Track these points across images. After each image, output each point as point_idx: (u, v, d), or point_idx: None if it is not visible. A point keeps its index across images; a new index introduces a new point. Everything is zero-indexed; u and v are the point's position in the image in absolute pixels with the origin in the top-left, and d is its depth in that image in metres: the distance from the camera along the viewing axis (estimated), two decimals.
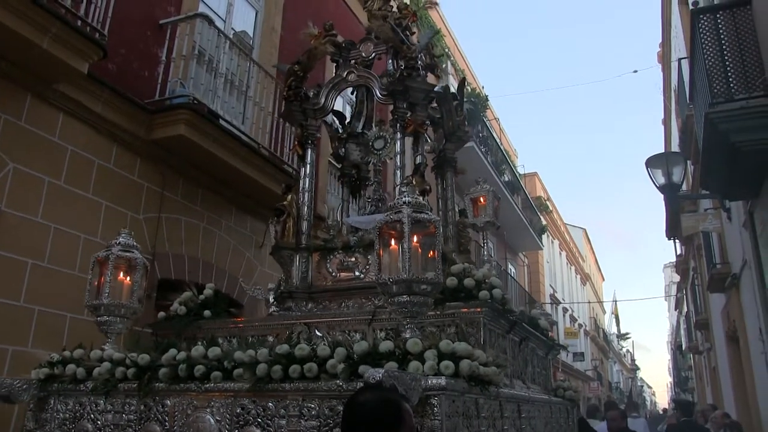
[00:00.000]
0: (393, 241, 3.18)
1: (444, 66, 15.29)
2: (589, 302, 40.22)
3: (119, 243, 4.10)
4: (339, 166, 5.68)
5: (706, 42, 6.50)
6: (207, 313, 4.56)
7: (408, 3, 6.04)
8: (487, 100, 17.78)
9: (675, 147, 15.00)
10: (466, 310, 3.72)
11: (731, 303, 11.57)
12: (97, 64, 5.87)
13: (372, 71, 5.04)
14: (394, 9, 5.17)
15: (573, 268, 36.84)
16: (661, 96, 20.18)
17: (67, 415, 3.71)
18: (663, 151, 16.37)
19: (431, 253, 3.19)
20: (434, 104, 5.31)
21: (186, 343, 3.95)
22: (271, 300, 4.79)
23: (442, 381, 2.77)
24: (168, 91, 6.95)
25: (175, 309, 4.59)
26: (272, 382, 3.10)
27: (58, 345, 5.64)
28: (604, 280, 54.19)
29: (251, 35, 9.16)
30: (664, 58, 18.23)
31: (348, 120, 5.78)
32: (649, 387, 77.81)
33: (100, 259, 4.07)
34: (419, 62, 4.81)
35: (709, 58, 6.45)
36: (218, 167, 7.33)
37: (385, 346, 2.96)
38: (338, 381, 2.95)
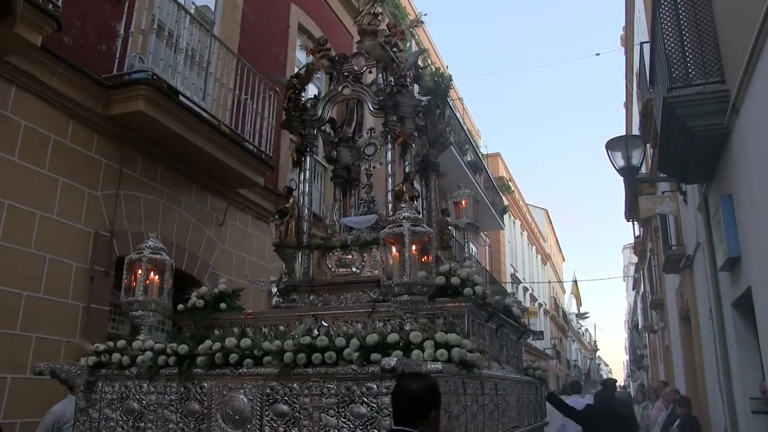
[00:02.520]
0: (394, 249, 3.78)
1: (408, 45, 15.23)
2: (549, 282, 40.85)
3: (149, 246, 4.56)
4: (331, 167, 6.16)
5: (667, 27, 6.57)
6: (223, 305, 4.98)
7: (395, 22, 6.38)
8: (450, 79, 17.78)
9: (636, 130, 15.20)
10: (453, 305, 4.31)
11: (685, 284, 11.86)
12: (52, 37, 5.71)
13: (365, 85, 5.48)
14: (384, 27, 5.66)
15: (534, 248, 37.32)
16: (624, 79, 20.42)
17: (114, 396, 4.24)
18: (624, 133, 16.59)
19: (425, 258, 3.79)
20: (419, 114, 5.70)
21: (204, 331, 4.59)
22: (274, 291, 5.35)
23: (439, 365, 3.30)
24: (126, 66, 6.81)
25: (193, 302, 4.99)
26: (297, 367, 3.65)
27: (12, 323, 5.57)
28: (564, 260, 55.04)
29: (212, 10, 9.01)
30: (627, 41, 18.40)
31: (339, 125, 6.15)
32: (606, 365, 79.55)
33: (132, 261, 4.54)
34: (408, 79, 5.31)
35: (669, 43, 6.53)
36: (178, 144, 7.23)
37: (392, 337, 3.53)
38: (353, 366, 3.52)
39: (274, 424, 3.68)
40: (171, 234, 7.58)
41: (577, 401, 9.45)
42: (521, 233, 33.42)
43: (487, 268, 22.60)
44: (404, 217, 3.79)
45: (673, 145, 6.96)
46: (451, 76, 18.04)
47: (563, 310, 46.16)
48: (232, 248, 8.75)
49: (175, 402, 4.04)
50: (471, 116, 25.41)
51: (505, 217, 25.30)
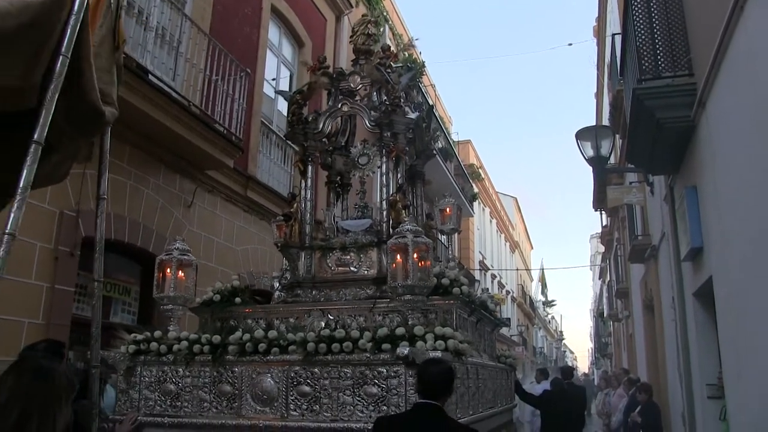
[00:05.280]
0: (398, 255, 4.51)
1: (382, 30, 15.17)
2: (518, 269, 41.24)
3: (177, 248, 5.18)
4: (326, 173, 6.72)
5: (638, 19, 6.64)
6: (237, 299, 5.53)
7: (390, 45, 6.96)
8: (423, 65, 17.77)
9: (606, 121, 15.37)
10: (443, 302, 5.02)
11: (649, 273, 12.06)
12: None
13: (362, 103, 6.09)
14: (378, 50, 6.27)
15: (503, 235, 37.61)
16: (595, 70, 20.59)
17: (152, 379, 4.80)
18: (594, 124, 16.75)
19: (422, 263, 4.48)
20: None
21: (220, 323, 5.29)
22: (276, 286, 6.06)
23: (438, 354, 3.99)
24: None
25: (209, 297, 5.54)
26: (318, 355, 4.29)
27: None
28: (532, 248, 55.59)
29: None
30: (600, 32, 18.54)
31: (333, 134, 6.57)
32: (572, 352, 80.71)
33: (162, 261, 5.15)
34: (402, 99, 5.92)
35: (640, 35, 6.60)
36: (147, 124, 7.13)
37: (399, 330, 4.22)
38: (366, 354, 4.21)
39: (298, 402, 4.36)
40: (138, 215, 7.50)
41: (545, 386, 9.81)
42: (490, 221, 33.65)
43: (456, 255, 22.73)
44: (407, 230, 4.57)
45: (641, 136, 7.06)
46: (423, 62, 18.02)
47: (530, 297, 46.66)
48: (201, 230, 8.68)
49: (208, 384, 4.63)
50: (443, 103, 25.44)
51: (475, 204, 25.44)
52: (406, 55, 17.31)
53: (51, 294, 6.21)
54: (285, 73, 12.07)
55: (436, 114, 18.78)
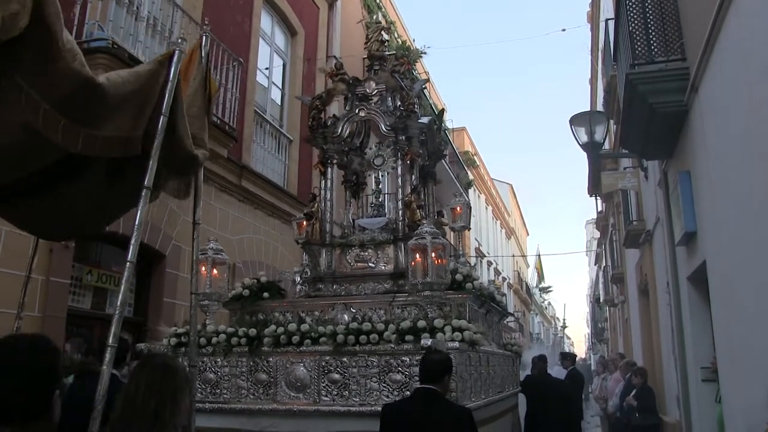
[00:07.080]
0: (418, 255, 5.01)
1: (375, 17, 15.11)
2: (513, 256, 41.30)
3: (211, 248, 5.58)
4: (343, 173, 7.12)
5: (631, 4, 6.63)
6: (266, 294, 5.92)
7: (404, 53, 7.31)
8: (419, 54, 17.67)
9: (600, 106, 15.33)
10: (458, 296, 5.45)
11: (644, 258, 12.09)
12: None
13: (377, 107, 6.43)
14: (391, 55, 6.65)
15: (498, 222, 37.66)
16: (589, 56, 20.52)
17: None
18: (589, 109, 16.70)
19: (438, 261, 4.98)
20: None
21: (249, 316, 5.73)
22: (298, 280, 6.48)
23: (456, 344, 4.50)
24: (85, 34, 6.65)
25: (239, 292, 5.94)
26: (347, 346, 4.73)
27: None
28: (528, 234, 55.66)
29: None
30: (593, 18, 18.48)
31: (346, 131, 6.75)
32: (569, 338, 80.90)
33: (198, 260, 5.30)
34: (415, 105, 6.27)
35: (633, 20, 6.59)
36: None
37: (421, 323, 4.69)
38: (391, 344, 4.66)
39: (329, 389, 4.78)
40: None
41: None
42: (486, 208, 33.68)
43: (452, 242, 22.71)
44: (426, 231, 5.02)
45: (635, 121, 7.06)
46: (419, 51, 17.91)
47: (526, 284, 46.75)
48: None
49: (245, 373, 5.05)
50: (437, 89, 25.38)
51: (470, 191, 25.44)
52: (400, 42, 17.24)
53: (46, 286, 6.22)
54: (278, 62, 12.02)
55: (431, 102, 18.74)
